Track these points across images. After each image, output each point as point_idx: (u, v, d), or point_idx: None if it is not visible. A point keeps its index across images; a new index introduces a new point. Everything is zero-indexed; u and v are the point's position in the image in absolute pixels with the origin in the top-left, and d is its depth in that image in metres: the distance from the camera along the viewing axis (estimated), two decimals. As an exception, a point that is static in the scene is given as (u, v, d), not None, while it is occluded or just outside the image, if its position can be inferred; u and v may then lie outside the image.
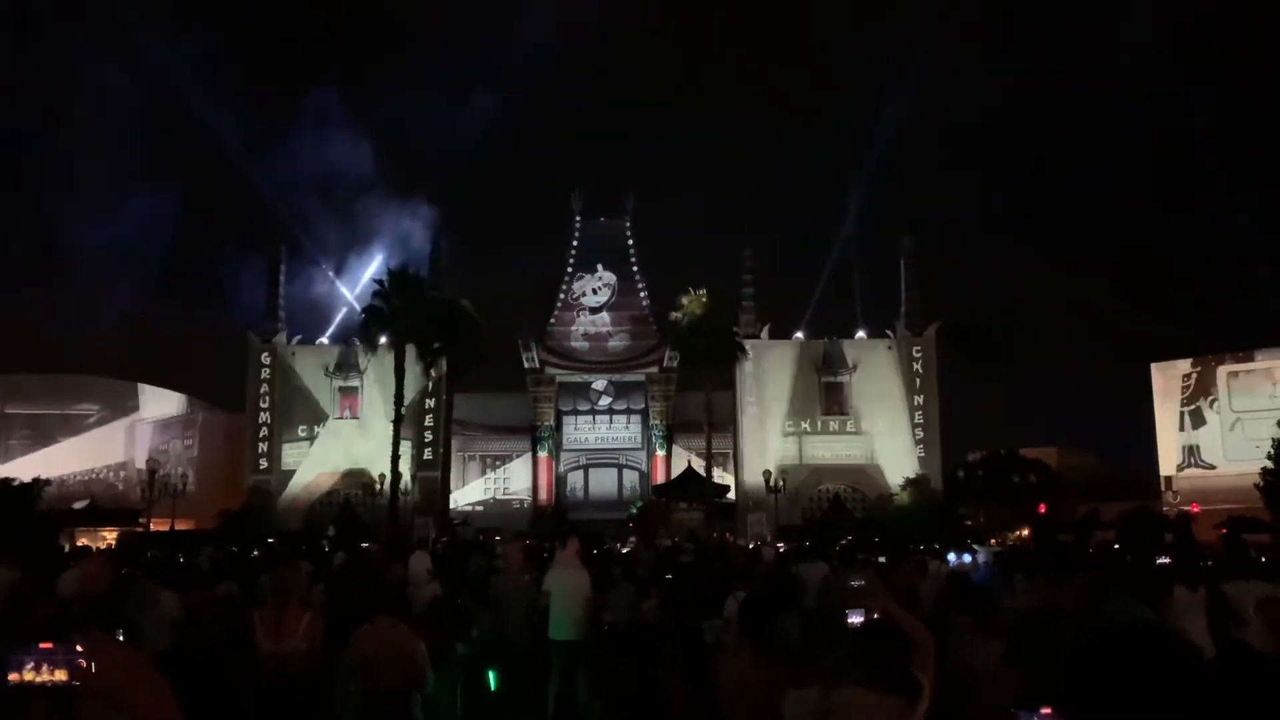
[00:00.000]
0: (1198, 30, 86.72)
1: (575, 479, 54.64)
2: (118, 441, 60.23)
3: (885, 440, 49.10)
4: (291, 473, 49.38)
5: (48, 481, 39.82)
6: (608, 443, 54.96)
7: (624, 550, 21.52)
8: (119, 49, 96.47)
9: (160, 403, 60.49)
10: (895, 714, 3.80)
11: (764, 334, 50.02)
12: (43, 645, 1.64)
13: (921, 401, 49.30)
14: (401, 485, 42.41)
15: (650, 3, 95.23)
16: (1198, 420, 51.08)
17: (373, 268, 52.91)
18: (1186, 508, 42.66)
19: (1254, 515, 33.25)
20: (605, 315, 54.99)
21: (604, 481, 54.51)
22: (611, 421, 55.25)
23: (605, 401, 55.11)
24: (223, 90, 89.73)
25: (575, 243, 55.71)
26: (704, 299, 47.28)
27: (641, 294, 55.30)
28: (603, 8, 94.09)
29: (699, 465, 46.59)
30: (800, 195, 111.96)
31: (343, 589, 10.48)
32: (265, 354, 50.11)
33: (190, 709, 1.83)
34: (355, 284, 52.92)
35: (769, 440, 48.84)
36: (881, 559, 12.96)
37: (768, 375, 49.52)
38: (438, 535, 33.32)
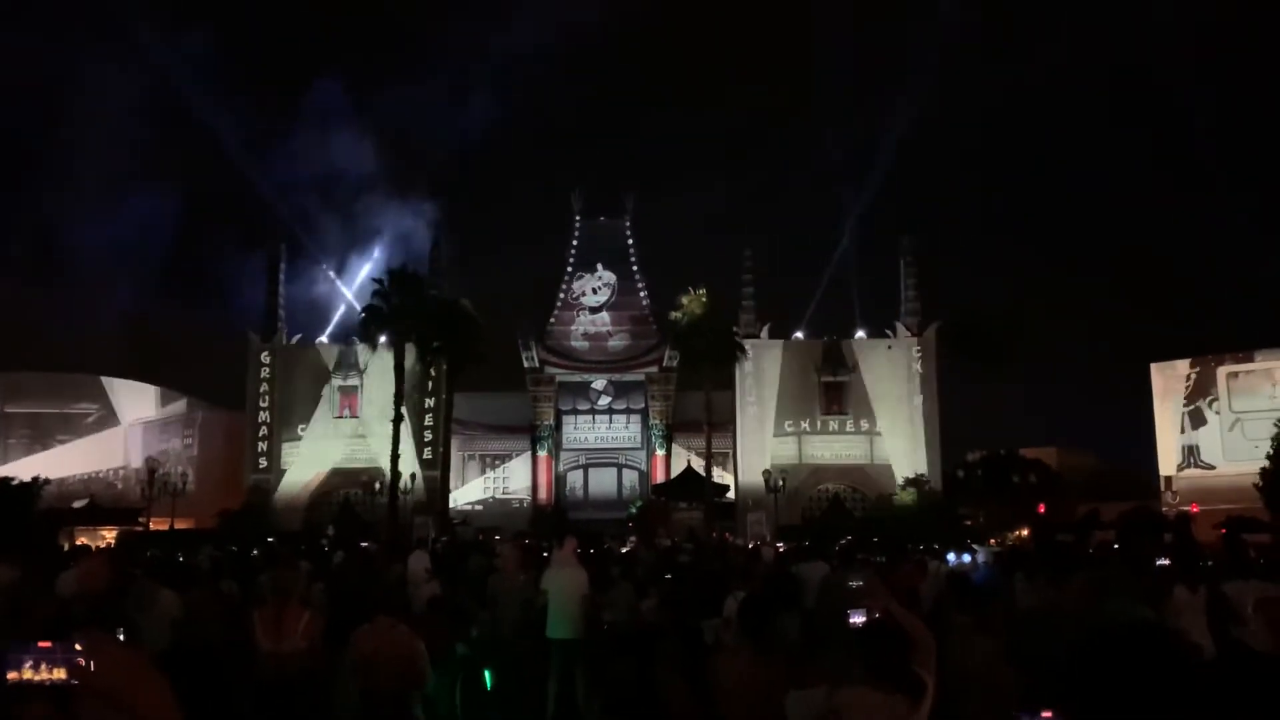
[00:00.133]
0: (1198, 30, 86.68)
1: (575, 478, 54.66)
2: (117, 441, 60.25)
3: (885, 440, 49.12)
4: (291, 472, 49.36)
5: (47, 481, 39.81)
6: (607, 442, 54.97)
7: (623, 550, 21.51)
8: (118, 48, 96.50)
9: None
10: (899, 713, 3.80)
11: (764, 334, 50.03)
12: (42, 644, 1.64)
13: (921, 401, 49.29)
14: (401, 485, 42.42)
15: (650, 3, 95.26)
16: (1197, 420, 51.11)
17: (367, 268, 53.05)
18: (1186, 508, 42.68)
19: (1253, 515, 33.26)
20: (605, 315, 55.01)
21: (604, 481, 54.53)
22: (611, 421, 55.26)
23: (605, 401, 55.13)
24: (222, 90, 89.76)
25: (575, 242, 55.73)
26: (704, 299, 47.29)
27: (641, 294, 55.31)
28: (603, 8, 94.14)
29: (699, 465, 46.60)
30: (800, 195, 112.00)
31: (342, 588, 10.49)
32: (265, 353, 50.11)
33: (190, 709, 1.83)
34: (355, 283, 52.97)
35: (768, 440, 48.85)
36: (881, 559, 12.97)
37: (767, 375, 49.52)
38: (437, 535, 33.33)
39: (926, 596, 9.55)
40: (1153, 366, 52.78)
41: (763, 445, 48.58)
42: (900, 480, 46.82)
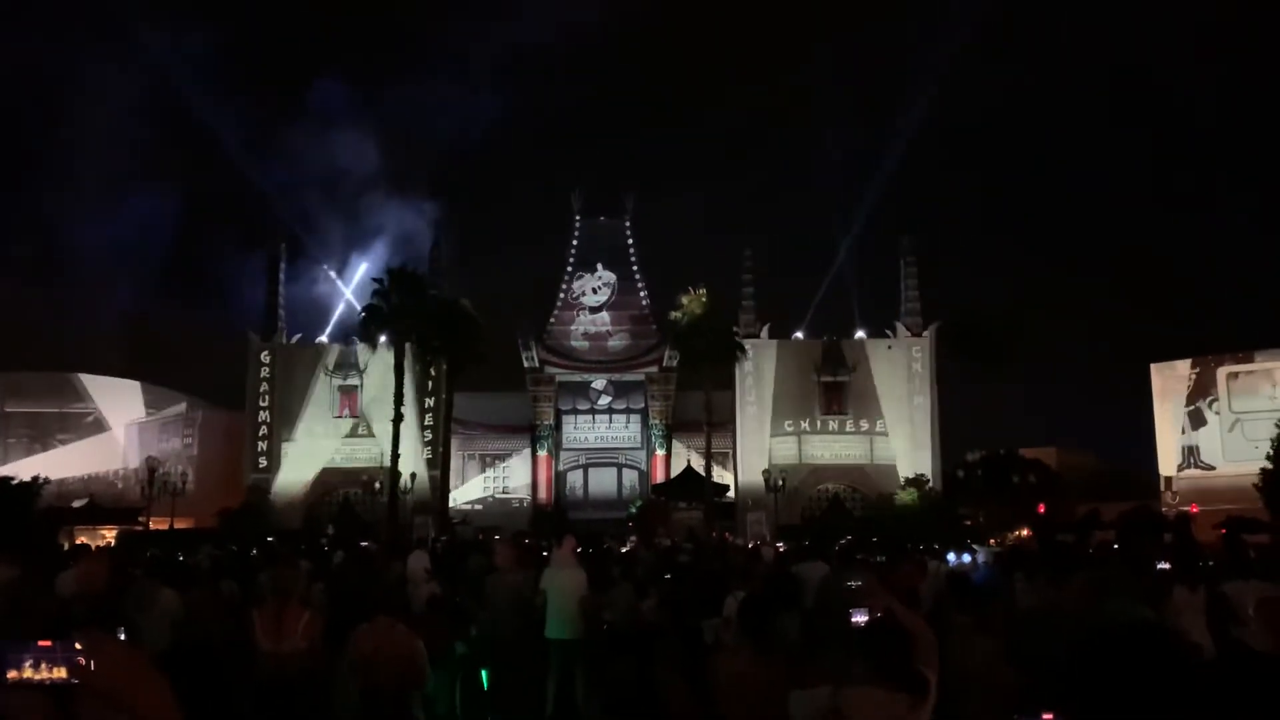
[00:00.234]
0: (1198, 30, 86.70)
1: (575, 478, 54.69)
2: (117, 440, 60.25)
3: (885, 440, 49.12)
4: (290, 472, 49.36)
5: (47, 480, 39.80)
6: (607, 442, 54.99)
7: (623, 550, 21.51)
8: (119, 47, 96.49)
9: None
10: (904, 712, 3.80)
11: (764, 334, 50.04)
12: (42, 643, 1.64)
13: (921, 401, 49.31)
14: (401, 484, 42.43)
15: (650, 3, 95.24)
16: (1197, 421, 51.10)
17: (363, 267, 53.06)
18: (1186, 508, 42.67)
19: (1253, 516, 33.24)
20: (605, 315, 55.03)
21: (603, 481, 54.56)
22: (611, 421, 55.28)
23: (605, 401, 55.14)
24: (222, 89, 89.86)
25: (575, 242, 55.74)
26: (704, 298, 47.31)
27: (641, 294, 55.33)
28: (603, 8, 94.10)
29: (698, 465, 46.61)
30: (800, 195, 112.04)
31: (342, 588, 10.48)
32: (265, 353, 50.10)
33: (190, 709, 1.83)
34: (355, 283, 52.96)
35: (768, 440, 48.85)
36: (881, 559, 12.96)
37: (767, 375, 49.52)
38: (437, 534, 33.35)
39: (926, 596, 9.53)
40: (1152, 367, 52.77)
41: (762, 445, 48.59)
42: (900, 480, 46.83)
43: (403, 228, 54.49)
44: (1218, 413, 50.58)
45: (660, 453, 52.56)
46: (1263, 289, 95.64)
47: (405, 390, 42.63)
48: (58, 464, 53.20)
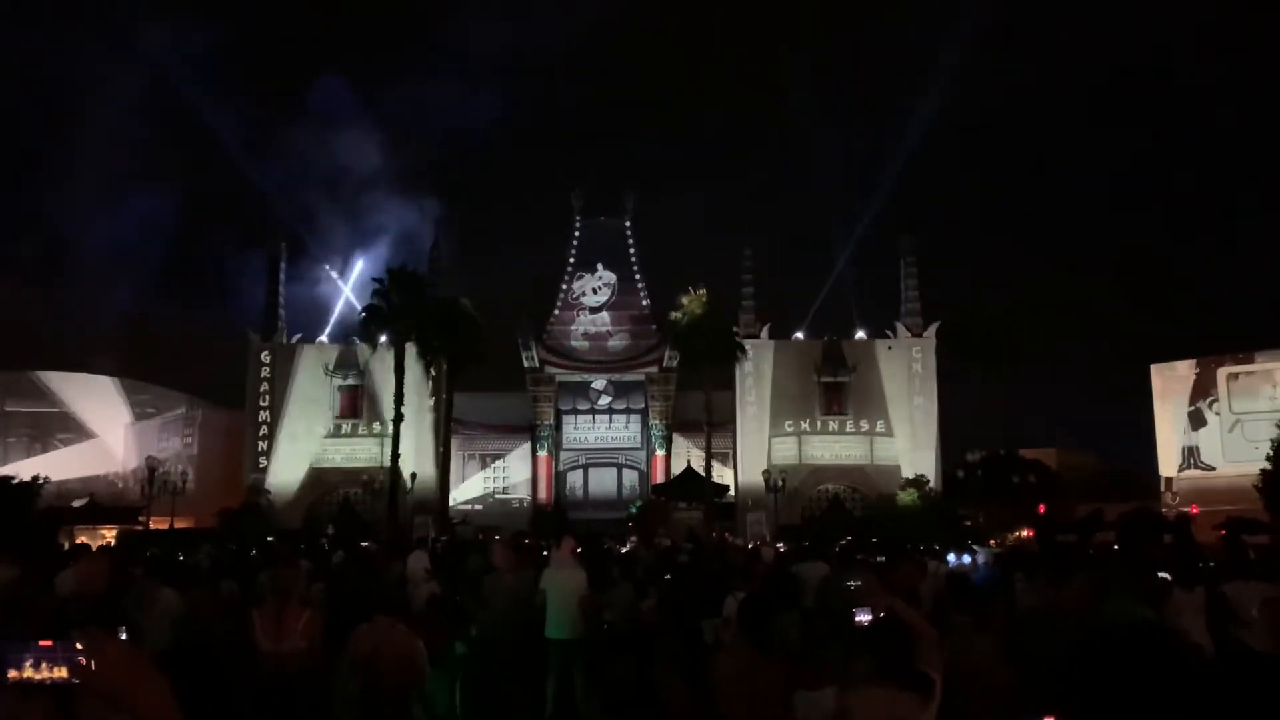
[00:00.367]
0: (1198, 30, 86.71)
1: (575, 478, 54.69)
2: (117, 440, 60.25)
3: (885, 440, 49.12)
4: (290, 471, 49.36)
5: (47, 480, 39.81)
6: (607, 442, 54.99)
7: (624, 550, 21.51)
8: (119, 46, 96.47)
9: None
10: (910, 711, 3.80)
11: (764, 334, 50.04)
12: (42, 643, 1.64)
13: (921, 402, 49.31)
14: (401, 484, 42.43)
15: (650, 3, 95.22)
16: (1197, 421, 51.08)
17: (359, 266, 53.11)
18: (1186, 509, 42.64)
19: (1253, 517, 33.22)
20: (605, 315, 55.02)
21: (604, 481, 54.55)
22: (611, 421, 55.28)
23: (605, 401, 55.15)
24: (222, 89, 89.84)
25: (575, 242, 55.74)
26: (704, 299, 47.30)
27: (641, 294, 55.33)
28: (603, 8, 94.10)
29: (699, 465, 46.61)
30: (800, 195, 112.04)
31: (342, 588, 10.48)
32: (265, 352, 50.10)
33: (190, 708, 1.83)
34: (355, 283, 52.99)
35: (768, 440, 48.84)
36: (881, 559, 12.96)
37: (767, 375, 49.53)
38: (437, 534, 33.34)
39: (926, 597, 9.53)
40: (1153, 367, 52.77)
41: (762, 445, 48.58)
42: (900, 481, 46.83)
43: (403, 227, 54.58)
44: (1218, 413, 50.57)
45: (660, 453, 52.55)
46: (1263, 289, 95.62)
47: (405, 390, 42.63)
48: (58, 463, 53.21)
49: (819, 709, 3.93)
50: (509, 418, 53.99)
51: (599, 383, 54.85)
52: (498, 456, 55.08)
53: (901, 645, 3.88)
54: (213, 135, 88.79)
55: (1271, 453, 38.78)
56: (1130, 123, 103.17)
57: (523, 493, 53.67)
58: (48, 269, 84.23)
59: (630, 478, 54.29)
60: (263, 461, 49.38)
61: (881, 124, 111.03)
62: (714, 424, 45.96)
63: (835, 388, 49.61)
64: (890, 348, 50.20)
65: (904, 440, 48.87)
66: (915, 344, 49.89)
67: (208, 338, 74.83)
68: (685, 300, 47.52)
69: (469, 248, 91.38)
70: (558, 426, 53.96)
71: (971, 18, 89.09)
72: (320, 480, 49.32)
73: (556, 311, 54.86)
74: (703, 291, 47.49)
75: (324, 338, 51.97)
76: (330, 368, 50.30)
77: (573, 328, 54.69)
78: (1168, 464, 51.38)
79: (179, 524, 40.65)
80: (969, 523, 38.90)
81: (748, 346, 48.06)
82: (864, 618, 4.05)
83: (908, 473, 47.25)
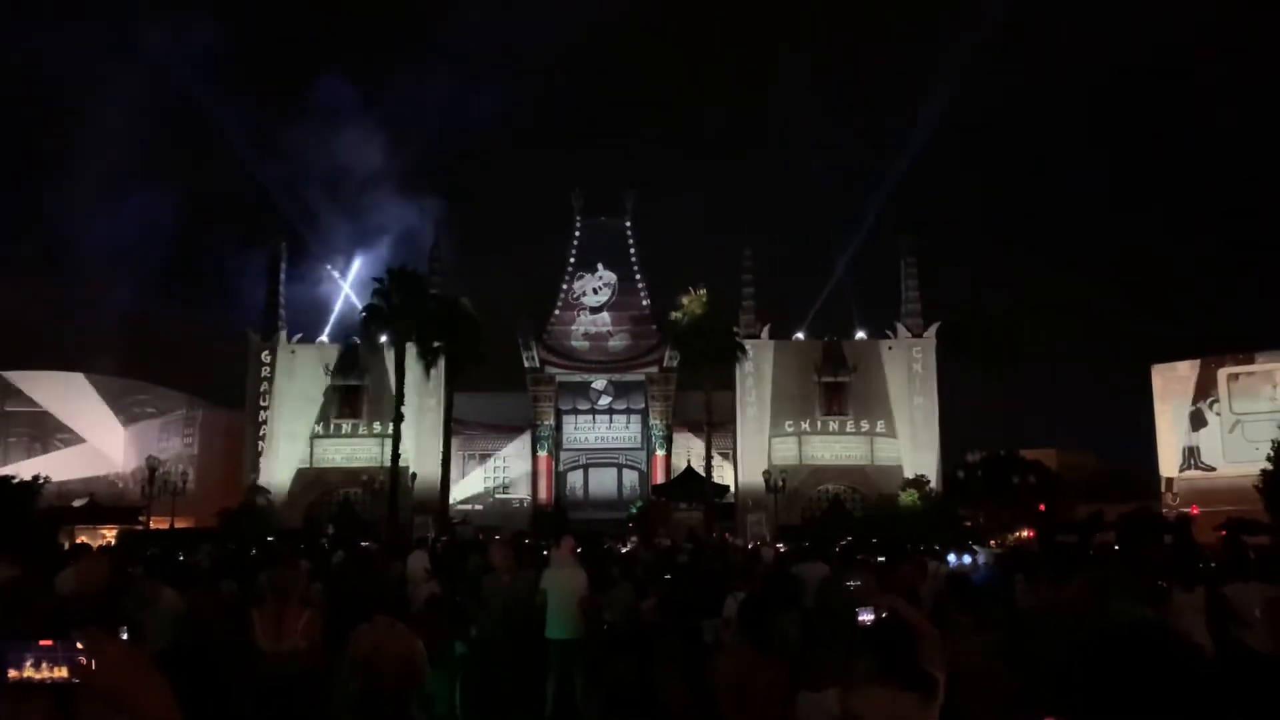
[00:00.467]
0: (1198, 30, 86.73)
1: (575, 478, 54.68)
2: (118, 439, 60.23)
3: (885, 441, 49.11)
4: (291, 471, 49.36)
5: (47, 479, 39.83)
6: (607, 442, 54.98)
7: (624, 550, 21.51)
8: (120, 46, 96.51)
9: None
10: (914, 711, 3.79)
11: (764, 334, 50.04)
12: (43, 643, 1.64)
13: (922, 402, 49.31)
14: (401, 484, 42.42)
15: (650, 3, 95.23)
16: (1198, 422, 51.07)
17: (357, 266, 53.12)
18: (1186, 509, 42.65)
19: (1254, 517, 33.24)
20: (605, 315, 55.02)
21: (604, 481, 54.54)
22: (611, 421, 55.28)
23: (605, 401, 55.14)
24: (223, 88, 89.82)
25: (575, 242, 55.75)
26: (704, 299, 47.28)
27: (642, 294, 55.33)
28: (603, 8, 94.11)
29: (699, 465, 46.62)
30: (801, 196, 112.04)
31: (342, 588, 10.48)
32: (265, 352, 50.10)
33: (190, 708, 1.83)
34: (355, 282, 53.02)
35: (768, 440, 48.84)
36: (881, 559, 12.96)
37: (767, 375, 49.53)
38: (437, 534, 33.33)
39: (926, 597, 9.53)
40: (1153, 368, 52.77)
41: (763, 445, 48.58)
42: (901, 481, 46.83)
43: (403, 227, 54.68)
44: (1218, 414, 50.57)
45: (660, 453, 52.55)
46: (1263, 289, 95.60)
47: (405, 390, 42.64)
48: (58, 463, 53.22)
49: (823, 710, 3.92)
50: (509, 418, 53.98)
51: (599, 383, 54.85)
52: (498, 457, 55.10)
53: (904, 645, 3.87)
54: (213, 135, 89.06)
55: (1272, 453, 38.79)
56: (1130, 123, 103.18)
57: (523, 493, 53.67)
58: (48, 268, 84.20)
59: (630, 478, 54.28)
60: (263, 461, 49.39)
61: (882, 124, 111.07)
62: (714, 424, 45.96)
63: (835, 388, 49.60)
64: (891, 348, 50.21)
65: (904, 440, 48.87)
66: (915, 344, 49.90)
67: (208, 338, 74.85)
68: (685, 300, 47.51)
69: (469, 247, 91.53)
70: (558, 426, 53.95)
71: (972, 18, 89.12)
72: (320, 480, 49.31)
73: (557, 311, 54.85)
74: (703, 291, 47.50)
75: (324, 338, 51.98)
76: (330, 368, 50.29)
77: (573, 328, 54.69)
78: (1168, 464, 51.38)
79: (179, 524, 40.65)
80: (969, 523, 38.92)
81: (748, 346, 48.06)
82: (866, 617, 4.05)
83: (908, 473, 47.26)
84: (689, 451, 50.28)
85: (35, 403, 61.16)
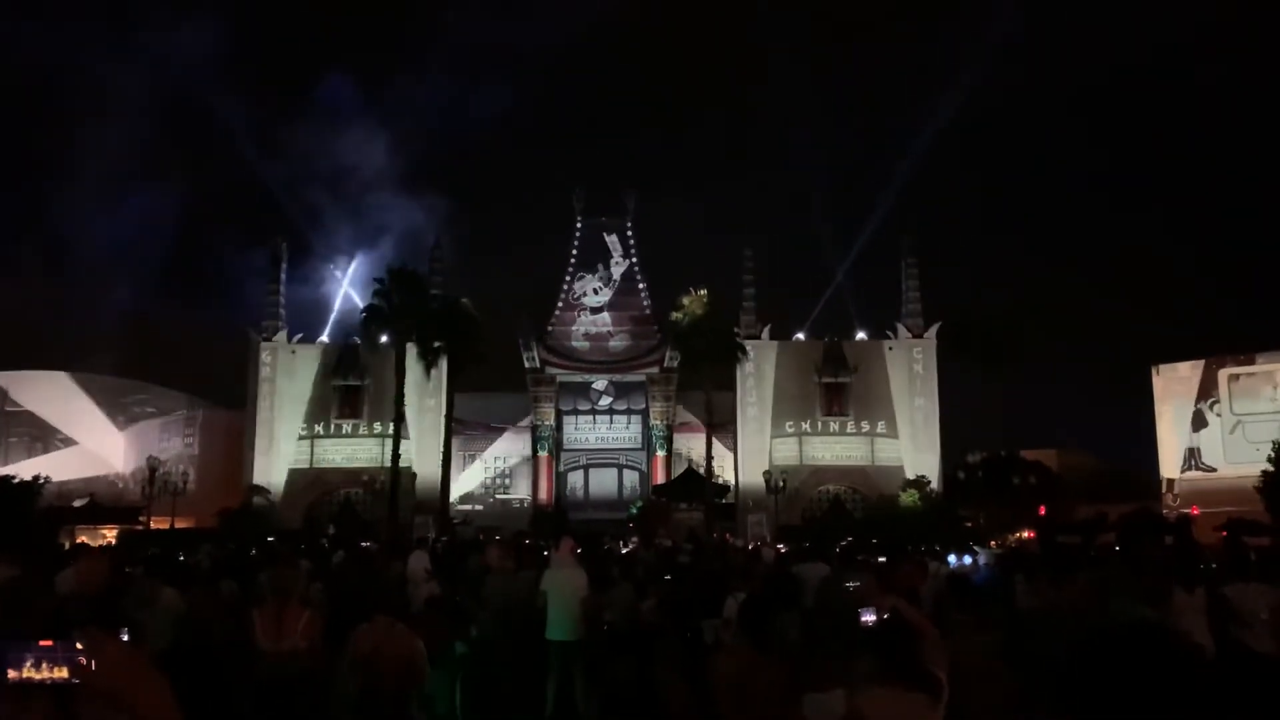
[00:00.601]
0: (1198, 29, 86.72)
1: (575, 479, 54.68)
2: (118, 439, 60.26)
3: (886, 441, 49.11)
4: (291, 471, 49.36)
5: (47, 479, 39.84)
6: (608, 443, 54.98)
7: (624, 550, 21.52)
8: (121, 45, 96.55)
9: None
10: (922, 711, 3.79)
11: (764, 334, 50.04)
12: (43, 643, 1.64)
13: (922, 403, 49.31)
14: (401, 484, 42.43)
15: (650, 3, 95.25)
16: (1199, 423, 51.05)
17: (353, 266, 53.11)
18: (1187, 510, 42.63)
19: (1254, 518, 33.22)
20: (606, 315, 55.03)
21: (604, 481, 54.54)
22: (612, 421, 55.28)
23: (606, 401, 55.14)
24: (224, 87, 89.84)
25: (576, 242, 55.76)
26: (704, 299, 47.28)
27: (642, 294, 55.34)
28: (603, 8, 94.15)
29: (699, 465, 46.62)
30: (801, 196, 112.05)
31: (342, 588, 10.48)
32: (265, 352, 50.11)
33: (190, 708, 1.83)
34: (356, 282, 53.03)
35: (769, 441, 48.84)
36: (881, 560, 12.96)
37: (768, 376, 49.53)
38: (437, 534, 33.35)
39: (926, 597, 9.53)
40: (1154, 368, 52.76)
41: (763, 446, 48.58)
42: (901, 482, 46.83)
43: (404, 227, 54.70)
44: (1219, 415, 50.54)
45: (661, 453, 52.55)
46: (1264, 290, 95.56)
47: (406, 390, 42.64)
48: (59, 463, 53.24)
49: (829, 711, 3.91)
50: (509, 418, 53.99)
51: (600, 383, 54.85)
52: (498, 457, 55.10)
53: (909, 645, 3.87)
54: (213, 134, 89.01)
55: (1273, 454, 38.77)
56: (1130, 123, 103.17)
57: (523, 493, 53.69)
58: (48, 268, 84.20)
59: (631, 478, 54.29)
60: (263, 461, 49.39)
61: (882, 124, 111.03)
62: (714, 425, 45.96)
63: (836, 388, 49.60)
64: (891, 349, 50.22)
65: (905, 441, 48.87)
66: (916, 345, 49.91)
67: (208, 338, 74.81)
68: (686, 301, 47.51)
69: (470, 247, 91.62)
70: (558, 427, 53.95)
71: (972, 18, 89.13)
72: (320, 480, 49.30)
73: (557, 311, 54.86)
74: (703, 292, 47.50)
75: (324, 337, 51.98)
76: (331, 367, 50.30)
77: (573, 328, 54.70)
78: (1169, 465, 51.35)
79: (179, 524, 40.67)
80: (970, 524, 38.90)
81: (748, 347, 48.07)
82: (869, 618, 4.04)
83: (908, 474, 47.25)
84: (689, 452, 50.26)
85: (36, 403, 61.18)
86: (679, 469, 50.16)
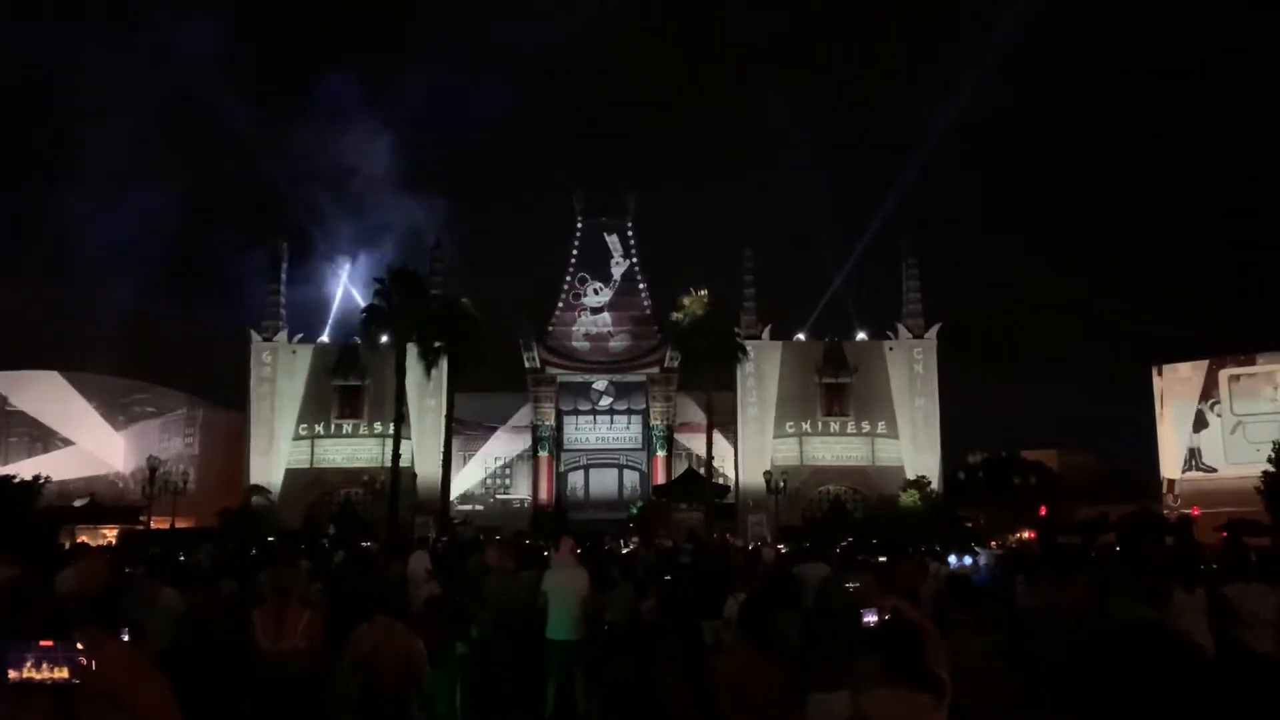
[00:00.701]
0: (1198, 29, 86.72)
1: (576, 479, 54.68)
2: (118, 439, 60.22)
3: (886, 442, 49.11)
4: (291, 471, 49.37)
5: (48, 479, 39.84)
6: (608, 443, 54.99)
7: (624, 551, 21.52)
8: (121, 44, 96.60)
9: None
10: (926, 711, 3.79)
11: (765, 335, 50.05)
12: (43, 643, 1.64)
13: (923, 403, 49.32)
14: (401, 484, 42.44)
15: (650, 3, 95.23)
16: (1199, 423, 51.06)
17: (348, 267, 53.12)
18: (1187, 510, 42.63)
19: (1255, 518, 33.22)
20: (606, 315, 55.04)
21: (604, 482, 54.54)
22: (612, 422, 55.29)
23: (606, 402, 55.15)
24: (224, 87, 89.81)
25: (576, 242, 55.78)
26: (705, 299, 47.28)
27: (642, 294, 55.35)
28: (603, 8, 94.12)
29: (699, 465, 46.63)
30: (801, 196, 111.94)
31: (342, 588, 10.49)
32: (266, 352, 50.12)
33: (190, 708, 1.83)
34: (357, 282, 53.02)
35: (769, 441, 48.85)
36: (882, 560, 12.96)
37: (768, 376, 49.54)
38: (438, 534, 33.35)
39: (926, 597, 9.52)
40: (1154, 369, 52.76)
41: (764, 446, 48.58)
42: (902, 482, 46.83)
43: (404, 226, 54.67)
44: (1219, 415, 50.55)
45: (661, 454, 52.56)
46: (1265, 291, 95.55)
47: (406, 390, 42.64)
48: (59, 463, 53.21)
49: (834, 712, 3.91)
50: (509, 418, 53.98)
51: (600, 383, 54.86)
52: (498, 457, 55.11)
53: (912, 645, 3.87)
54: (214, 134, 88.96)
55: (1273, 455, 38.79)
56: (1130, 123, 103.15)
57: (523, 493, 53.69)
58: (48, 268, 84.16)
59: (631, 478, 54.28)
60: (263, 461, 49.40)
61: (882, 124, 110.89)
62: (715, 425, 45.97)
63: (836, 389, 49.61)
64: (891, 349, 50.22)
65: (905, 441, 48.88)
66: (916, 345, 49.91)
67: (208, 338, 74.78)
68: (686, 301, 47.51)
69: (470, 247, 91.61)
70: (559, 427, 53.96)
71: (972, 19, 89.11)
72: (321, 480, 49.31)
73: (557, 312, 54.87)
74: (704, 292, 47.49)
75: (325, 337, 51.98)
76: (331, 367, 50.31)
77: (574, 328, 54.71)
78: (1169, 465, 51.36)
79: (179, 524, 40.66)
80: (970, 524, 38.89)
81: (749, 347, 48.07)
82: (870, 618, 4.03)
83: (909, 474, 47.25)
84: (689, 452, 50.25)
85: (36, 403, 61.12)
86: (679, 469, 50.15)
